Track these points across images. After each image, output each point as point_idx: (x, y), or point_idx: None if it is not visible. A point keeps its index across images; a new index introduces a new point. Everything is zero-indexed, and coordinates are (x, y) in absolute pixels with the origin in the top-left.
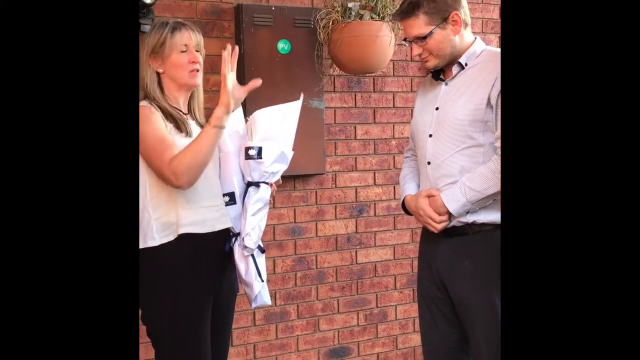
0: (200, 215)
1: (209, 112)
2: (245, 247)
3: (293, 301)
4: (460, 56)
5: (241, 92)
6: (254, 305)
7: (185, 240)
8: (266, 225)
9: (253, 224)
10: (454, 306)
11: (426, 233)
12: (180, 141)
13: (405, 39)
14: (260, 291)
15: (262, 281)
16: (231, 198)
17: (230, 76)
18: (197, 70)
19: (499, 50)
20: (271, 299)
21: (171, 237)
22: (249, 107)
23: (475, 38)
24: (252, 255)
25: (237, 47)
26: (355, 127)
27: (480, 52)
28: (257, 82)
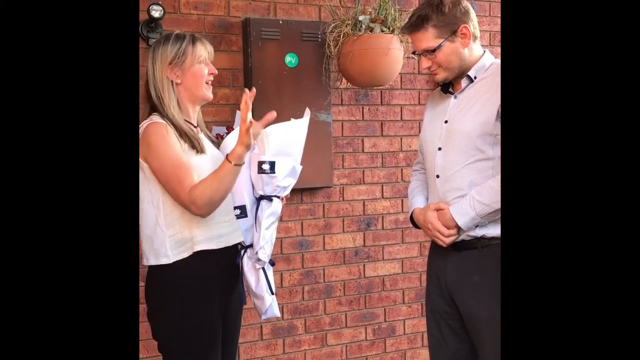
0: (215, 230)
1: (219, 126)
2: (259, 260)
3: (300, 315)
4: (469, 69)
5: (258, 128)
6: (263, 317)
7: (200, 256)
8: None
9: (266, 237)
10: (463, 321)
11: (435, 247)
12: (193, 159)
13: (414, 52)
14: (270, 304)
15: (273, 294)
16: (242, 211)
17: (249, 117)
18: (211, 83)
19: None
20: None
21: (186, 254)
22: (257, 120)
23: (485, 51)
24: (263, 268)
25: (254, 89)
26: (362, 140)
27: (489, 65)
28: (272, 115)
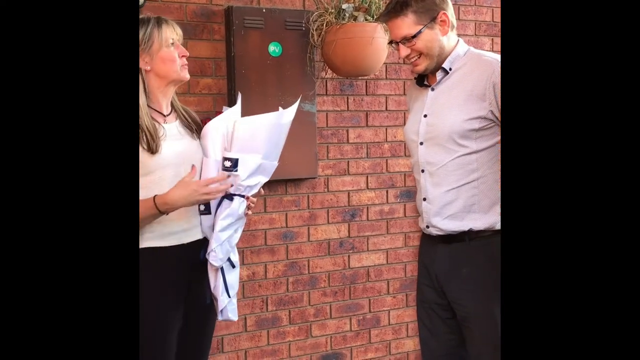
0: (168, 227)
1: (201, 116)
2: (210, 263)
3: (285, 307)
4: (446, 59)
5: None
6: (219, 318)
7: (148, 253)
8: (258, 229)
9: (220, 240)
10: (454, 312)
11: (425, 238)
12: (144, 157)
13: (391, 42)
14: (226, 306)
15: (229, 297)
16: (206, 207)
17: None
18: (186, 65)
19: (481, 52)
20: (262, 305)
21: None
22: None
23: (458, 40)
24: (222, 270)
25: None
26: (347, 131)
27: (464, 53)
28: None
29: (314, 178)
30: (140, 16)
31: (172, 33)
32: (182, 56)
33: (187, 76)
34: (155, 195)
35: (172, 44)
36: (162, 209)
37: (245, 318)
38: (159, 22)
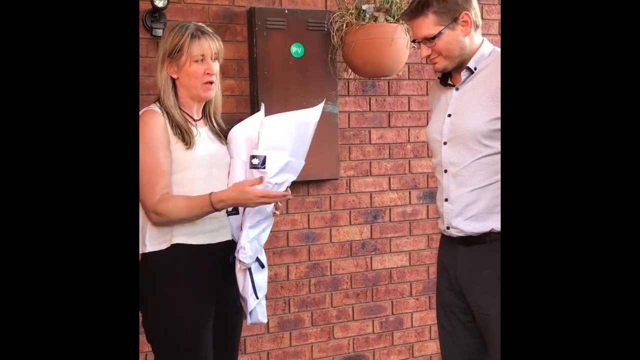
0: (199, 226)
1: (224, 117)
2: (240, 261)
3: (307, 308)
4: (469, 59)
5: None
6: (248, 322)
7: (179, 250)
8: (280, 230)
9: (250, 237)
10: (474, 315)
11: (444, 240)
12: (179, 153)
13: (414, 40)
14: (255, 308)
15: (257, 298)
16: (234, 208)
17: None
18: (212, 82)
19: None
20: (285, 306)
21: (163, 246)
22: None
23: (483, 40)
24: (250, 270)
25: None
26: (369, 132)
27: (488, 53)
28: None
29: (336, 179)
30: (182, 23)
31: (205, 48)
32: (207, 73)
33: (209, 95)
34: (211, 193)
35: (201, 60)
36: (217, 206)
37: (268, 319)
38: (194, 35)
